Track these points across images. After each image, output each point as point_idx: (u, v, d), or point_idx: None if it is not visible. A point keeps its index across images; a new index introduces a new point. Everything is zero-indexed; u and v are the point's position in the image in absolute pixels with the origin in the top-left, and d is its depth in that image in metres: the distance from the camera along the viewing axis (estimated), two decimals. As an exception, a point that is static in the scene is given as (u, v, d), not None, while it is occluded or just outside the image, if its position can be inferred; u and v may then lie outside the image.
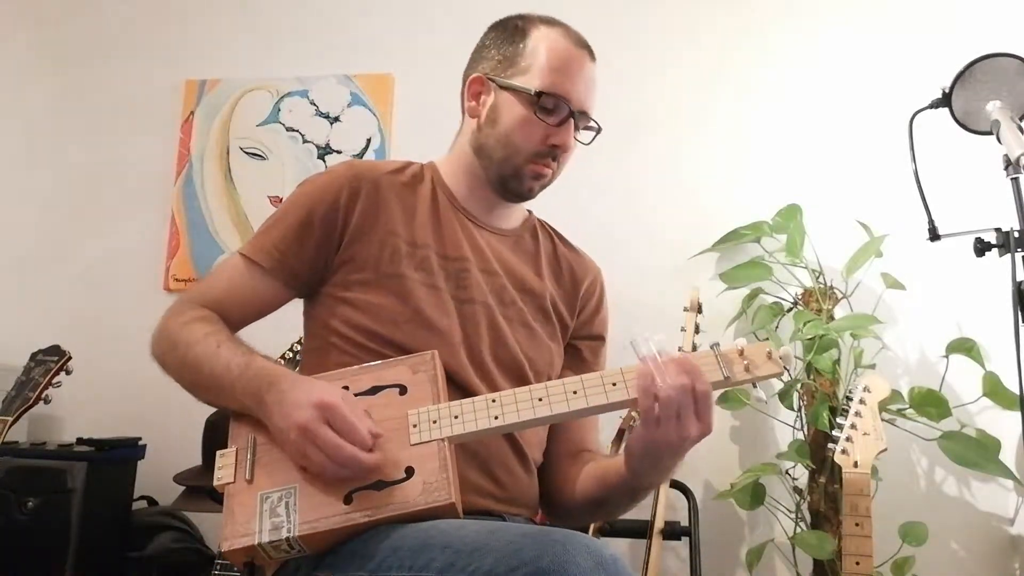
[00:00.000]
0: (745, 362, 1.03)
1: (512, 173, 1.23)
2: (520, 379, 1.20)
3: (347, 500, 0.97)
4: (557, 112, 1.21)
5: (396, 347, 1.14)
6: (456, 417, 1.03)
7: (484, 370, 1.17)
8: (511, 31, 1.27)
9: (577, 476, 1.23)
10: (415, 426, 1.02)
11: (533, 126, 1.21)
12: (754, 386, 1.06)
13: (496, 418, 1.03)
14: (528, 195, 1.26)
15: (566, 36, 1.25)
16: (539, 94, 1.20)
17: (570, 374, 1.26)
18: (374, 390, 1.06)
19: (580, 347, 1.34)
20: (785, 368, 1.04)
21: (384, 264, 1.18)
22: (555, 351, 1.29)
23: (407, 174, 1.28)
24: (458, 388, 1.12)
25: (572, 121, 1.22)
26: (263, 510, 0.97)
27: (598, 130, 1.29)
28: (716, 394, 1.60)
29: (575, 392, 1.03)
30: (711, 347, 1.05)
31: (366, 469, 0.97)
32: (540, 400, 1.03)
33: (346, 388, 1.06)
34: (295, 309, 1.27)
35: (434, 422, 1.02)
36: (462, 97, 1.31)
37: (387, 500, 0.97)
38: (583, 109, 1.24)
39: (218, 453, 1.04)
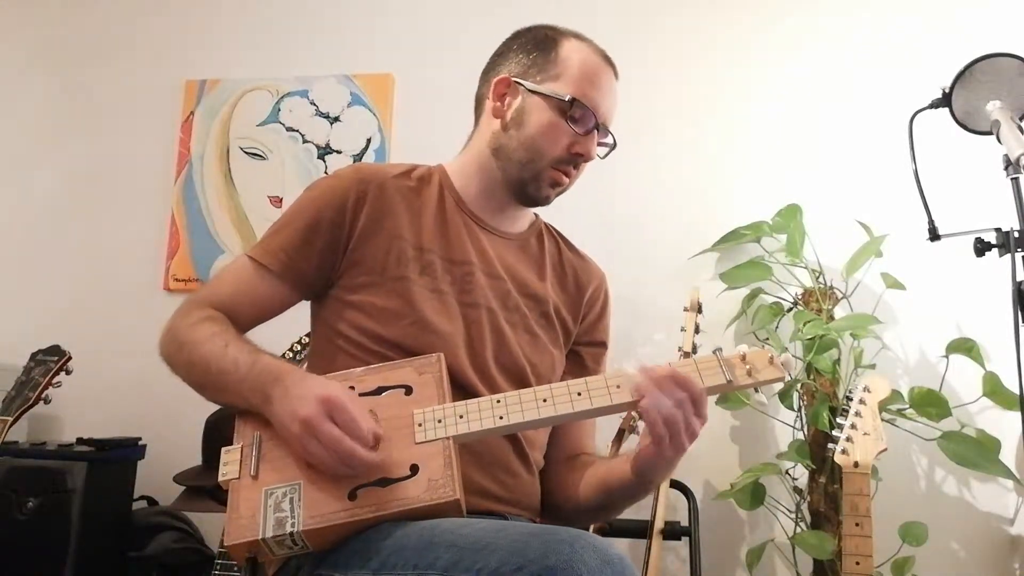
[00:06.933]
0: (747, 367, 1.05)
1: (532, 177, 1.23)
2: (522, 384, 1.20)
3: (351, 496, 0.97)
4: (584, 121, 1.22)
5: (401, 351, 1.14)
6: (461, 417, 1.04)
7: (487, 374, 1.18)
8: (541, 39, 1.27)
9: (578, 480, 1.23)
10: (420, 425, 1.03)
11: (560, 132, 1.21)
12: (756, 391, 1.07)
13: (501, 418, 1.04)
14: (544, 202, 1.28)
15: (596, 51, 1.27)
16: (572, 101, 1.20)
17: (571, 379, 1.26)
18: (380, 390, 1.07)
19: (582, 353, 1.34)
20: (787, 373, 1.06)
21: (390, 267, 1.18)
22: (557, 357, 1.29)
23: (414, 177, 1.28)
24: (461, 391, 1.12)
25: (596, 132, 1.23)
26: (267, 505, 0.98)
27: (613, 146, 1.30)
28: (716, 396, 1.60)
29: (579, 394, 1.04)
30: (714, 352, 1.06)
31: (366, 465, 0.98)
32: (544, 401, 1.04)
33: (352, 389, 1.07)
34: (296, 309, 1.27)
35: (439, 421, 1.03)
36: (479, 98, 1.31)
37: (391, 497, 0.97)
38: (606, 122, 1.25)
39: (223, 450, 1.05)
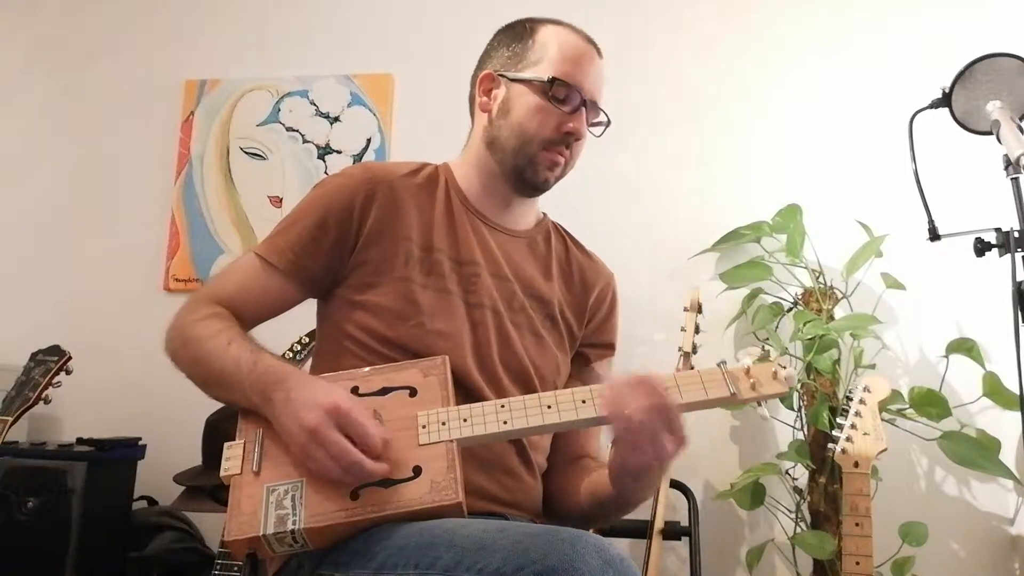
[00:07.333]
0: (751, 380, 1.05)
1: (527, 162, 1.23)
2: (526, 386, 1.20)
3: (353, 496, 0.97)
4: (569, 100, 1.22)
5: (407, 352, 1.14)
6: (465, 420, 1.04)
7: (492, 375, 1.18)
8: (519, 31, 1.29)
9: (578, 484, 1.23)
10: (424, 427, 1.03)
11: (546, 113, 1.22)
12: (759, 404, 1.07)
13: (505, 423, 1.04)
14: (543, 186, 1.27)
15: (574, 32, 1.28)
16: (552, 80, 1.21)
17: (576, 382, 1.26)
18: (384, 391, 1.07)
19: (588, 354, 1.34)
20: (790, 388, 1.05)
21: (397, 268, 1.18)
22: (561, 359, 1.28)
23: (422, 176, 1.28)
24: (465, 392, 1.12)
25: (584, 109, 1.23)
26: (269, 502, 0.97)
27: (607, 123, 1.30)
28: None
29: (584, 401, 1.04)
30: (718, 365, 1.06)
31: (372, 476, 0.97)
32: (549, 407, 1.05)
33: (356, 388, 1.07)
34: (296, 308, 1.27)
35: (443, 424, 1.03)
36: (471, 98, 1.32)
37: (394, 497, 0.97)
38: (593, 99, 1.25)
39: (226, 445, 1.05)
